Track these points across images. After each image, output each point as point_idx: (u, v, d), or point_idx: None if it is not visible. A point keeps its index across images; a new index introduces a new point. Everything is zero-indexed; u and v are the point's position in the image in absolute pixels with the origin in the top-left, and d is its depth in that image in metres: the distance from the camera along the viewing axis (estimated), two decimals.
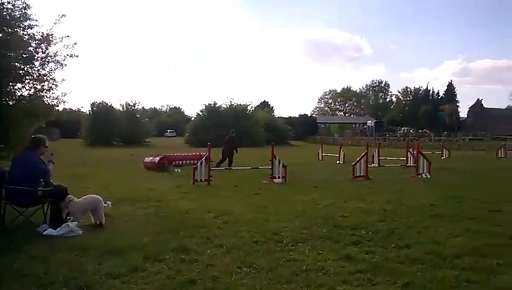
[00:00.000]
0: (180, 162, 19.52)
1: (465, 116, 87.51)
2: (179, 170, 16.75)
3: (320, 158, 25.93)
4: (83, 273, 4.35)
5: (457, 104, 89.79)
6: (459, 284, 4.03)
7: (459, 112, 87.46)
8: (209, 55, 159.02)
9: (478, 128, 64.07)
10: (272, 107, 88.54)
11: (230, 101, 57.96)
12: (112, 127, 50.10)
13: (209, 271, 4.44)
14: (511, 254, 4.98)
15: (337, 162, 22.46)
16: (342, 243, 5.52)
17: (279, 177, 13.07)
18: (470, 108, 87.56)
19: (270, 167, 13.26)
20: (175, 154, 21.43)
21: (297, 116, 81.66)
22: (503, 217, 7.23)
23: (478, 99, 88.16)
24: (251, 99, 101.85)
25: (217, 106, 57.59)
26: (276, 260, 4.78)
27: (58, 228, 6.04)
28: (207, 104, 57.52)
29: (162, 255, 4.94)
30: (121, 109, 54.27)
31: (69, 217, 6.55)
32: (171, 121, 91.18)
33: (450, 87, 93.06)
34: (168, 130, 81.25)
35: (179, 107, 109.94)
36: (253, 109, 62.59)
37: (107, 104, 53.50)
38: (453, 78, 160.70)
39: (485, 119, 74.37)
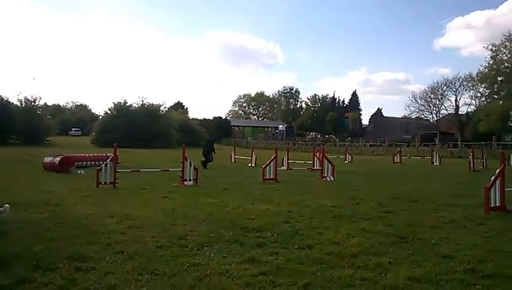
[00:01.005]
0: (84, 163, 18.49)
1: (367, 123, 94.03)
2: (82, 172, 15.82)
3: (233, 161, 26.20)
4: None
5: (360, 112, 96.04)
6: (353, 283, 4.24)
7: (361, 119, 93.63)
8: (120, 58, 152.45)
9: (378, 135, 69.17)
10: (186, 109, 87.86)
11: (142, 100, 56.26)
12: (8, 124, 45.42)
13: (106, 280, 4.19)
14: (400, 252, 5.39)
15: (249, 164, 22.85)
16: (247, 246, 5.56)
17: (190, 180, 12.88)
18: (371, 116, 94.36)
19: (181, 169, 13.02)
20: (78, 154, 20.25)
21: (211, 118, 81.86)
22: (395, 217, 7.84)
23: (378, 108, 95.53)
24: (164, 100, 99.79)
25: (127, 104, 55.51)
26: (180, 265, 4.66)
27: None
28: (116, 103, 55.18)
29: (54, 263, 4.56)
30: (18, 104, 49.71)
31: None
32: (76, 118, 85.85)
33: (354, 96, 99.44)
34: (73, 129, 76.63)
35: (85, 105, 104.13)
36: (166, 109, 61.41)
37: (2, 98, 48.65)
38: (357, 87, 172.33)
39: (384, 126, 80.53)
